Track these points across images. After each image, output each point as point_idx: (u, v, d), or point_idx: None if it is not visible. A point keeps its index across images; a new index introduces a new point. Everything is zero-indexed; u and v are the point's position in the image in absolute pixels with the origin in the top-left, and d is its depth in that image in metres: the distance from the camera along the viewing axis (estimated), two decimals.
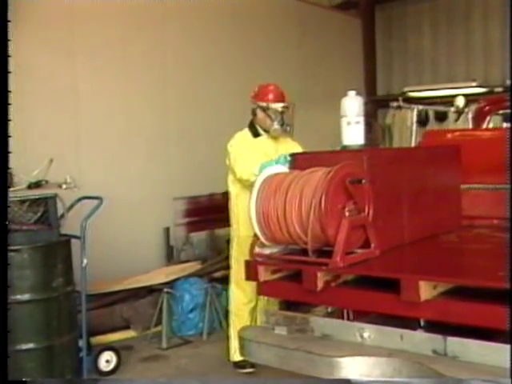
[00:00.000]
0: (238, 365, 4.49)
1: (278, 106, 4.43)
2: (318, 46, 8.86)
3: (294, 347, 2.99)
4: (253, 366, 4.32)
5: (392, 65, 10.38)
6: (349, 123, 3.59)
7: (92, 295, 4.64)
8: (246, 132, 4.55)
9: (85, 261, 4.29)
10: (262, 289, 3.25)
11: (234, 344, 4.37)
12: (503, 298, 2.45)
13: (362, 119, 3.59)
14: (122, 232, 5.91)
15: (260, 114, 4.48)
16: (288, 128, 4.48)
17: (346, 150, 3.40)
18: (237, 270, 4.49)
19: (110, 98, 6.08)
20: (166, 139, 6.69)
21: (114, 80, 6.11)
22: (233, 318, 4.61)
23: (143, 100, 6.41)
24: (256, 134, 4.52)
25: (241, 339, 3.25)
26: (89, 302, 4.47)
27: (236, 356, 4.35)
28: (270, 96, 4.45)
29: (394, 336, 2.80)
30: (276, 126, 4.41)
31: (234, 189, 4.60)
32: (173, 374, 4.52)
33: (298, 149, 4.46)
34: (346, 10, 9.88)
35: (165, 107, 6.65)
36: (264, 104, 4.44)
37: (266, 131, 4.51)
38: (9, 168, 3.55)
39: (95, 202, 4.41)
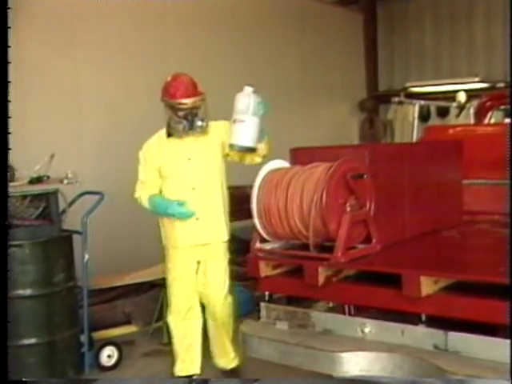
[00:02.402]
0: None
1: (180, 102, 3.74)
2: (319, 41, 8.83)
3: (295, 342, 3.00)
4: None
5: (394, 60, 10.36)
6: (234, 121, 3.38)
7: (93, 290, 4.64)
8: (162, 131, 3.92)
9: (86, 256, 4.30)
10: (263, 284, 3.26)
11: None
12: (504, 293, 2.45)
13: (250, 119, 3.33)
14: (124, 227, 5.90)
15: (166, 111, 3.85)
16: (200, 123, 3.77)
17: (347, 145, 3.34)
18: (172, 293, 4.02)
19: (111, 93, 6.07)
20: None
21: (115, 74, 6.10)
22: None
23: (145, 93, 6.39)
24: (170, 134, 3.86)
25: (242, 334, 3.26)
26: (90, 297, 4.48)
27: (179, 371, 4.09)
28: (171, 91, 3.76)
29: (395, 331, 2.81)
30: (179, 125, 3.77)
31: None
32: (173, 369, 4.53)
33: (220, 146, 3.83)
34: (347, 5, 9.86)
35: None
36: (166, 100, 3.80)
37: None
38: (8, 165, 3.57)
39: (97, 197, 4.42)
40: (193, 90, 3.78)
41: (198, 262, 3.95)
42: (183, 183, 3.82)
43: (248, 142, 3.38)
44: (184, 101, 3.74)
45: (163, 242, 4.04)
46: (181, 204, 3.75)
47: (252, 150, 3.46)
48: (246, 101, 3.32)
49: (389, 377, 2.71)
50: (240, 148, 3.41)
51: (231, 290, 4.09)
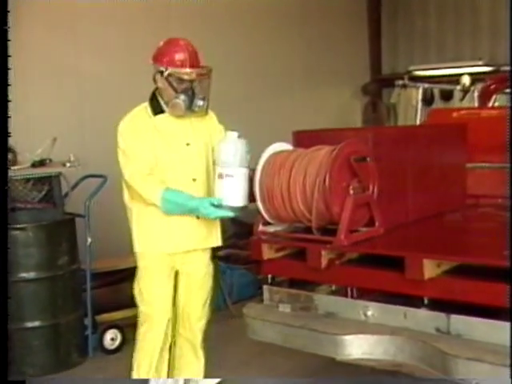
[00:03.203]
0: None
1: (185, 71, 3.09)
2: (323, 25, 8.76)
3: (297, 325, 3.01)
4: None
5: (397, 44, 10.27)
6: (220, 175, 2.91)
7: (97, 273, 4.66)
8: (145, 108, 3.23)
9: (89, 239, 4.32)
10: (266, 267, 3.26)
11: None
12: (507, 276, 2.45)
13: (239, 172, 2.86)
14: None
15: (160, 82, 3.15)
16: (201, 103, 3.13)
17: (350, 128, 3.25)
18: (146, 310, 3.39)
19: (114, 76, 6.05)
20: None
21: (117, 59, 6.08)
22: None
23: (147, 78, 6.37)
24: (158, 111, 3.19)
25: (245, 317, 3.27)
26: (94, 280, 4.50)
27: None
28: (176, 57, 3.11)
29: (397, 314, 2.81)
30: (178, 100, 3.09)
31: (133, 204, 3.27)
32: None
33: (220, 132, 3.32)
34: None
35: None
36: (163, 68, 3.12)
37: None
38: (10, 149, 3.57)
39: (100, 180, 4.42)
40: (198, 60, 3.20)
41: (176, 273, 3.36)
42: (182, 173, 3.18)
43: (239, 202, 2.96)
44: (193, 71, 3.10)
45: (138, 249, 3.30)
46: (214, 202, 3.01)
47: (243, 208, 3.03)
48: (233, 151, 2.87)
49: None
50: (230, 208, 2.98)
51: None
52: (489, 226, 3.47)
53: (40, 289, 4.09)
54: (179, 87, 3.10)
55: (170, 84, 3.12)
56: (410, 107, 7.77)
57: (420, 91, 6.60)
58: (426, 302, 2.78)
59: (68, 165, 4.25)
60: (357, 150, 2.96)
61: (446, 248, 2.94)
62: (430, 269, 2.66)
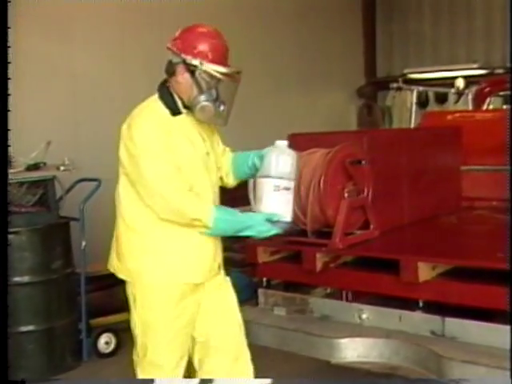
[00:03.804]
0: None
1: (226, 71, 2.54)
2: (318, 28, 8.78)
3: (293, 328, 3.01)
4: None
5: (392, 47, 10.30)
6: (276, 188, 2.46)
7: (91, 277, 4.63)
8: (160, 106, 2.58)
9: (84, 243, 4.30)
10: (261, 270, 3.26)
11: None
12: (502, 278, 2.45)
13: (293, 185, 2.52)
14: None
15: (184, 78, 2.53)
16: (223, 108, 2.57)
17: (345, 131, 3.20)
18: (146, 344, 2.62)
19: (109, 79, 6.04)
20: None
21: (111, 61, 6.07)
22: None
23: (142, 81, 6.36)
24: (176, 111, 2.57)
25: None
26: (88, 283, 4.47)
27: None
28: (215, 50, 2.54)
29: (392, 317, 2.81)
30: (207, 102, 2.51)
31: (141, 223, 2.56)
32: None
33: (218, 143, 2.80)
34: None
35: None
36: (197, 62, 2.50)
37: (187, 107, 2.57)
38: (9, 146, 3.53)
39: (94, 183, 4.40)
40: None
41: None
42: (205, 187, 2.59)
43: (291, 217, 2.55)
44: (234, 71, 2.58)
45: (150, 280, 2.55)
46: (272, 218, 2.47)
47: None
48: (290, 161, 2.50)
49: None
50: (284, 225, 2.51)
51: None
52: (484, 229, 3.48)
53: (34, 293, 4.06)
54: (206, 87, 2.52)
55: (197, 82, 2.52)
56: (405, 110, 7.78)
57: (414, 94, 6.61)
58: (420, 304, 2.78)
59: (62, 168, 4.23)
60: (352, 153, 2.96)
61: (441, 251, 2.94)
62: (425, 271, 2.67)
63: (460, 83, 6.02)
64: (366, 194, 3.02)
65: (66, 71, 5.70)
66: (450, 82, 6.69)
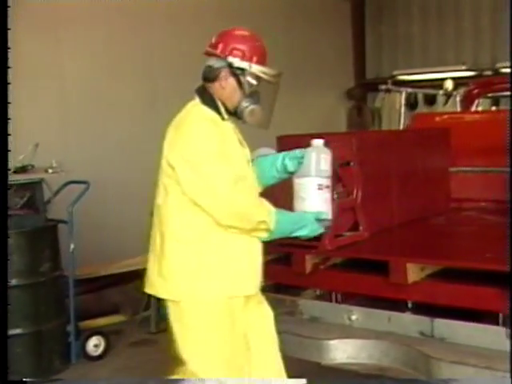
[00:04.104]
0: None
1: (274, 72, 2.57)
2: (307, 29, 8.80)
3: (282, 330, 2.99)
4: None
5: (382, 48, 10.34)
6: (320, 187, 2.47)
7: (80, 280, 4.61)
8: (208, 111, 2.49)
9: (72, 246, 4.28)
10: None
11: None
12: (490, 279, 2.46)
13: (330, 182, 2.54)
14: (111, 216, 5.87)
15: (229, 83, 2.48)
16: (266, 111, 2.62)
17: (334, 132, 3.11)
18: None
19: (97, 81, 6.02)
20: (155, 121, 6.63)
21: (99, 63, 6.05)
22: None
23: (131, 82, 6.36)
24: (222, 117, 2.51)
25: None
26: (77, 286, 4.45)
27: None
28: (261, 53, 2.55)
29: (381, 318, 2.81)
30: (255, 106, 2.50)
31: (197, 228, 2.40)
32: (161, 358, 4.51)
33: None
34: None
35: (153, 89, 6.60)
36: (246, 65, 2.47)
37: (231, 113, 2.53)
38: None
39: (83, 186, 4.38)
40: None
41: None
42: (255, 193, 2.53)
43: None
44: (279, 72, 2.61)
45: (201, 296, 2.39)
46: (321, 216, 2.46)
47: None
48: (329, 160, 2.52)
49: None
50: (327, 222, 2.52)
51: None
52: (472, 230, 3.49)
53: (22, 296, 4.03)
54: (251, 90, 2.50)
55: (242, 85, 2.49)
56: (394, 111, 7.80)
57: (403, 96, 6.62)
58: (409, 305, 2.79)
59: (50, 171, 4.21)
60: (341, 155, 2.95)
61: (430, 252, 2.95)
62: (414, 273, 2.67)
63: (449, 85, 6.04)
64: (355, 195, 3.02)
65: (53, 73, 5.68)
66: (438, 83, 6.72)
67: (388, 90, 6.85)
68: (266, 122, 2.60)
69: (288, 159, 2.57)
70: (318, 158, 2.49)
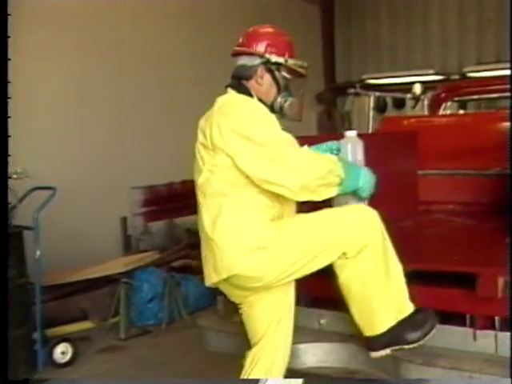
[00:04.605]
0: None
1: (305, 65, 2.70)
2: None
3: None
4: None
5: (351, 52, 10.43)
6: None
7: (47, 287, 4.55)
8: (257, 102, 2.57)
9: (38, 252, 4.21)
10: None
11: None
12: (458, 281, 2.48)
13: None
14: (78, 222, 5.80)
15: (265, 79, 2.57)
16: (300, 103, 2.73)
17: (301, 136, 3.11)
18: None
19: (62, 84, 5.95)
20: (123, 126, 6.59)
21: (65, 65, 5.99)
22: None
23: (98, 86, 6.30)
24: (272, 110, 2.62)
25: (199, 328, 3.22)
26: (44, 293, 4.39)
27: None
28: (291, 47, 2.68)
29: (350, 321, 2.80)
30: (293, 98, 2.62)
31: (258, 203, 2.45)
32: (131, 364, 4.47)
33: None
34: None
35: (121, 95, 6.54)
36: (282, 60, 2.58)
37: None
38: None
39: (49, 192, 4.32)
40: None
41: None
42: None
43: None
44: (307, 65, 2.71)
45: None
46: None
47: None
48: (362, 150, 2.68)
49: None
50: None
51: None
52: (441, 232, 3.51)
53: None
54: (286, 84, 2.62)
55: (277, 80, 2.59)
56: (364, 115, 7.85)
57: (372, 99, 6.67)
58: None
59: (15, 177, 4.14)
60: None
61: (398, 255, 2.94)
62: None
63: (417, 89, 6.09)
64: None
65: (17, 76, 5.58)
66: (407, 87, 6.79)
67: (357, 94, 6.89)
68: (300, 115, 2.70)
69: (322, 151, 2.63)
70: (354, 149, 2.59)
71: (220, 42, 7.72)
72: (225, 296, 3.24)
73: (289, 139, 2.44)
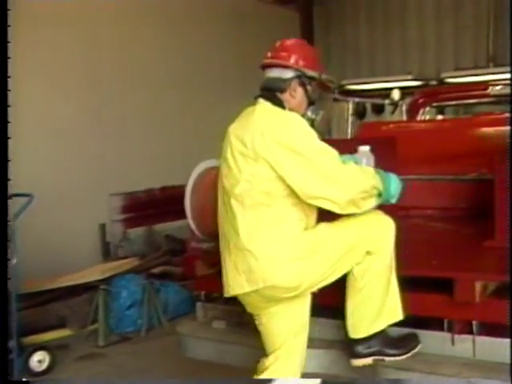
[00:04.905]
0: None
1: (333, 79, 2.88)
2: (257, 40, 8.83)
3: (231, 341, 2.97)
4: None
5: (330, 59, 10.47)
6: None
7: (24, 294, 4.49)
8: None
9: (14, 260, 4.15)
10: (199, 284, 3.21)
11: None
12: (437, 286, 2.49)
13: None
14: (56, 229, 5.75)
15: (298, 92, 2.61)
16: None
17: None
18: None
19: (41, 89, 5.90)
20: (100, 136, 6.54)
21: (45, 71, 5.94)
22: None
23: (76, 92, 6.25)
24: None
25: (179, 335, 3.20)
26: (21, 301, 4.33)
27: None
28: (320, 61, 2.71)
29: (331, 327, 2.81)
30: (321, 111, 2.73)
31: (295, 216, 2.50)
32: (110, 371, 4.43)
33: None
34: (284, 4, 9.89)
35: (99, 101, 6.50)
36: (316, 74, 2.64)
37: None
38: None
39: (25, 199, 4.27)
40: None
41: None
42: None
43: None
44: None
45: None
46: None
47: None
48: (374, 164, 2.84)
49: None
50: None
51: None
52: (419, 237, 3.52)
53: None
54: (316, 97, 2.69)
55: (308, 94, 2.65)
56: (343, 121, 7.89)
57: (351, 105, 6.70)
58: None
59: None
60: None
61: None
62: None
63: (395, 94, 6.13)
64: None
65: None
66: (386, 93, 6.84)
67: (336, 100, 6.92)
68: (329, 128, 2.79)
69: None
70: (368, 162, 2.75)
71: (196, 48, 7.75)
72: (204, 302, 3.24)
73: (334, 152, 2.48)
